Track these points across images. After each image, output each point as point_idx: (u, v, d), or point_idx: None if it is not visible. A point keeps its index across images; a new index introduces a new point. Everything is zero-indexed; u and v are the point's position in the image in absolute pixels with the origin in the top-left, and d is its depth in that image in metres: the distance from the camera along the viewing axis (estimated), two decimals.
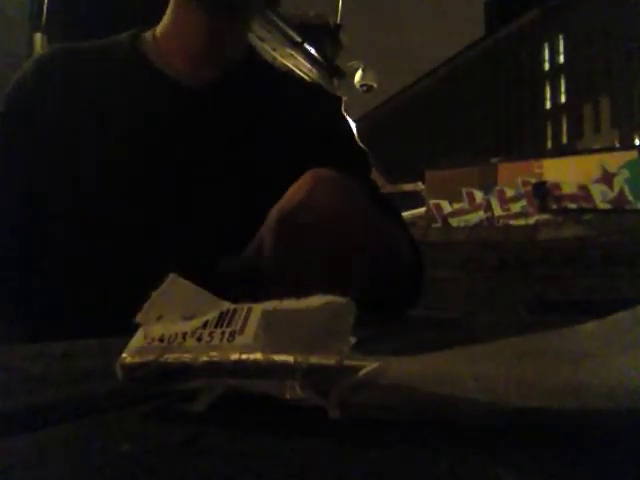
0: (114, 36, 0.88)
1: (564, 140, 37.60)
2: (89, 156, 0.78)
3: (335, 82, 11.40)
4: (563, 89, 39.02)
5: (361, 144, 0.99)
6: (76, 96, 0.81)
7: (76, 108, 0.80)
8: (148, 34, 0.87)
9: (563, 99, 39.08)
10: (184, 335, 0.30)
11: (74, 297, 0.77)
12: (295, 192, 0.57)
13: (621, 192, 6.40)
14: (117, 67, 0.84)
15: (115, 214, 0.77)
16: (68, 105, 0.80)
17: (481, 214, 6.83)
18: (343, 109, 1.01)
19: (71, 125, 0.79)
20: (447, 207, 6.83)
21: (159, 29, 0.87)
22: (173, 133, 0.80)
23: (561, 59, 39.27)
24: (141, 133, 0.79)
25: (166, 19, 0.86)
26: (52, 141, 0.79)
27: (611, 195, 6.43)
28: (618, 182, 6.44)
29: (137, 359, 0.30)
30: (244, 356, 0.27)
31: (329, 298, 0.30)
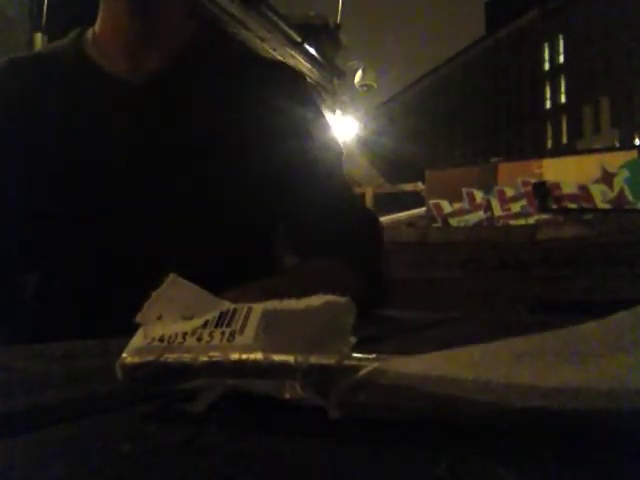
0: (61, 39, 0.87)
1: (564, 140, 37.56)
2: (41, 160, 0.78)
3: (335, 82, 11.40)
4: (563, 89, 39.00)
5: (329, 137, 0.91)
6: (26, 105, 0.81)
7: (27, 116, 0.80)
8: (89, 31, 0.85)
9: (563, 99, 39.06)
10: (184, 335, 0.30)
11: (74, 298, 0.77)
12: None
13: (621, 192, 6.39)
14: (61, 70, 0.83)
15: (79, 216, 0.77)
16: (20, 113, 0.81)
17: (481, 214, 6.82)
18: (306, 86, 0.91)
19: (23, 131, 0.80)
20: (447, 207, 6.82)
21: (97, 26, 0.85)
22: (116, 130, 0.79)
23: (561, 59, 39.24)
24: (84, 132, 0.79)
25: (100, 15, 0.84)
26: (9, 147, 0.80)
27: (611, 195, 6.42)
28: (618, 182, 6.43)
29: (137, 359, 0.29)
30: (244, 356, 0.27)
31: (329, 298, 0.30)
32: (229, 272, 0.62)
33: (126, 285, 0.60)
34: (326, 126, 0.89)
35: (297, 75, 0.91)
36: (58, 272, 0.79)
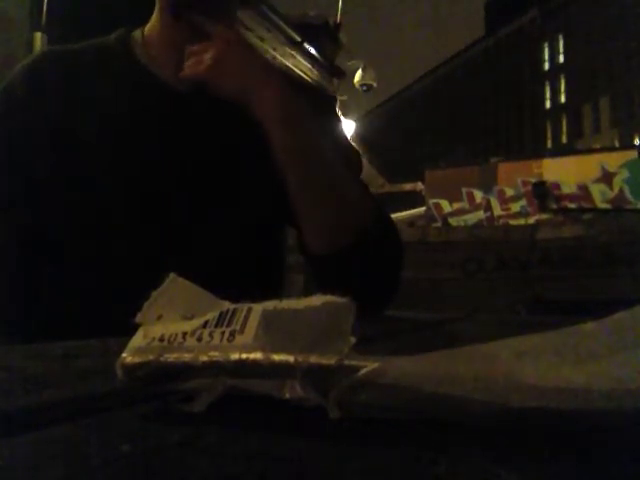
0: (103, 37, 0.87)
1: (564, 140, 37.56)
2: (80, 157, 0.78)
3: (335, 82, 11.40)
4: (563, 89, 38.99)
5: (354, 145, 1.01)
6: (66, 100, 0.80)
7: (66, 111, 0.79)
8: (137, 34, 0.86)
9: (563, 99, 39.05)
10: (184, 335, 0.30)
11: (74, 298, 0.77)
12: None
13: (621, 192, 6.39)
14: (108, 69, 0.83)
15: (107, 215, 0.77)
16: (58, 108, 0.80)
17: (481, 214, 6.82)
18: (337, 108, 1.03)
19: (61, 127, 0.79)
20: (447, 207, 6.81)
21: (147, 30, 0.85)
22: (161, 134, 0.80)
23: (561, 59, 39.24)
24: (131, 134, 0.79)
25: (153, 20, 0.84)
26: (43, 144, 0.78)
27: (611, 195, 6.42)
28: (618, 182, 6.43)
29: (137, 359, 0.29)
30: (244, 356, 0.27)
31: (329, 298, 0.30)
32: (232, 273, 0.63)
33: (127, 285, 0.60)
34: (347, 138, 1.06)
35: (330, 97, 1.04)
36: (59, 270, 0.79)
